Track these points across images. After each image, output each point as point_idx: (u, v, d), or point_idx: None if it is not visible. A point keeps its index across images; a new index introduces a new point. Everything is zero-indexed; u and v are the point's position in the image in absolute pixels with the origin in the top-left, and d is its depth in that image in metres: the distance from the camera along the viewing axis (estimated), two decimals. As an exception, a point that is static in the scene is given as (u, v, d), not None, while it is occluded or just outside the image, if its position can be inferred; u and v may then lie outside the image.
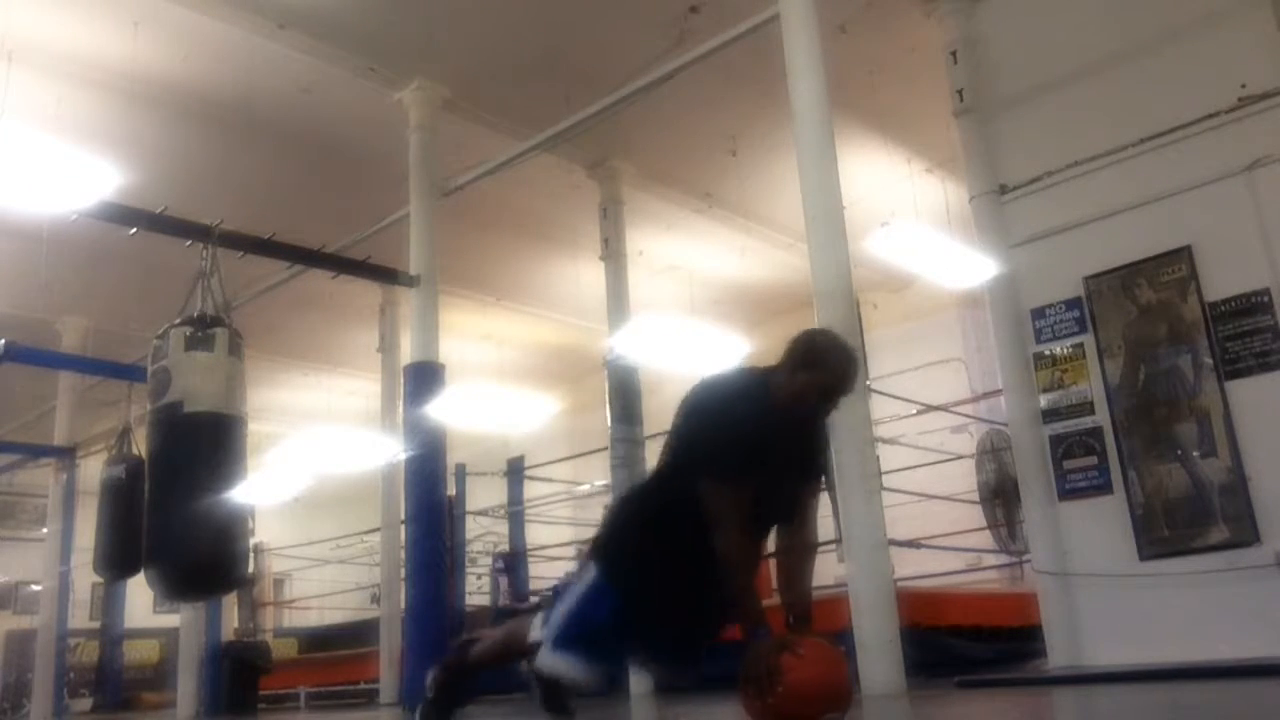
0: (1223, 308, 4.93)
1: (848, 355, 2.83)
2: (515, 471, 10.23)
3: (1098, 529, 5.13)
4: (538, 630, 2.94)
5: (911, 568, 7.46)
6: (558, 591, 7.98)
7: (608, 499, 7.63)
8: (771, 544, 3.06)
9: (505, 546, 10.43)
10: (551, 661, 2.81)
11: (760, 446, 2.73)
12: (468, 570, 9.74)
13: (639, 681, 6.78)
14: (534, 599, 9.17)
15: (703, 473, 2.72)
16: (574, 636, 2.82)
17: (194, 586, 5.47)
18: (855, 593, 4.73)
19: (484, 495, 10.54)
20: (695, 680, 3.08)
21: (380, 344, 10.26)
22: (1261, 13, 4.99)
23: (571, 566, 10.53)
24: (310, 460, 10.90)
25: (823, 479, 3.06)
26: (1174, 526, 4.92)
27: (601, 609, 2.83)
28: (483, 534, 11.12)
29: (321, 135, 7.95)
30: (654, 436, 7.15)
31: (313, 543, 13.09)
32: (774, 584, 3.03)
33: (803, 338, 2.86)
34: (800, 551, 2.96)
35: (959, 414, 9.25)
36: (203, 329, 5.11)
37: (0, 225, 8.21)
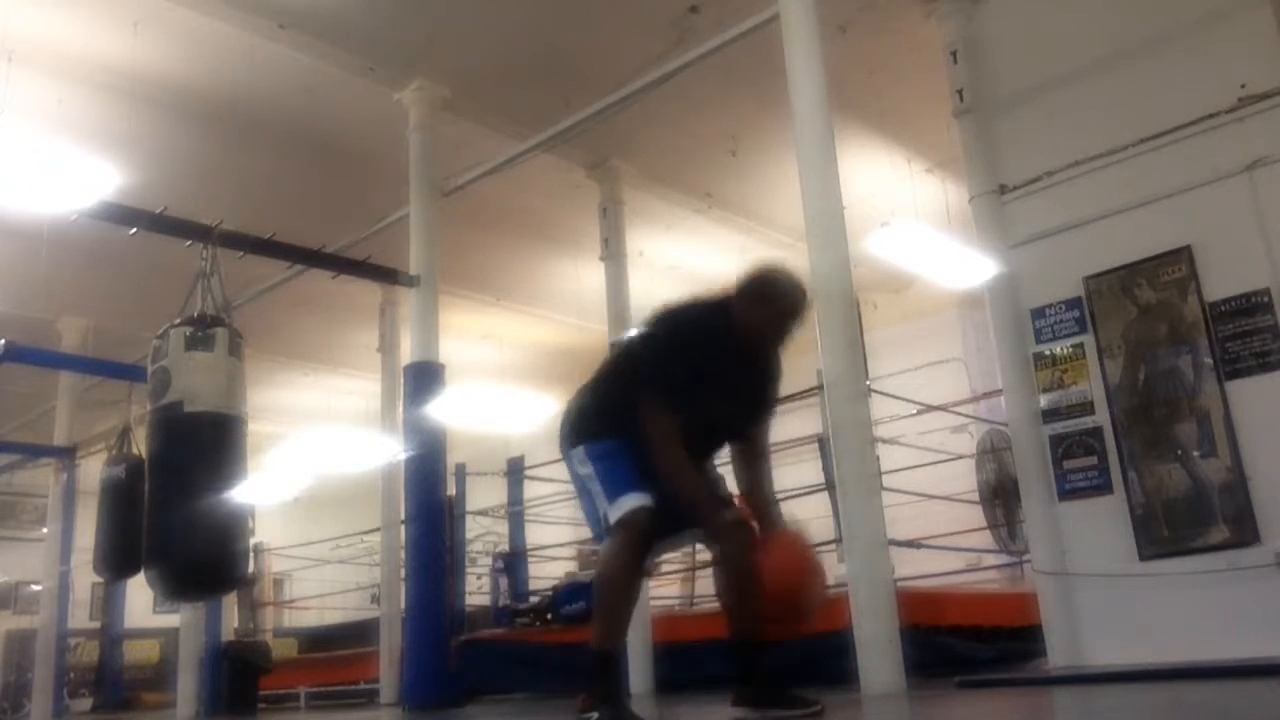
0: (1223, 308, 4.92)
1: (801, 289, 3.04)
2: (515, 471, 10.21)
3: (1097, 529, 5.13)
4: (603, 519, 3.01)
5: (911, 568, 7.46)
6: (559, 591, 8.00)
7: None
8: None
9: (505, 546, 10.42)
10: (617, 509, 2.93)
11: (710, 374, 2.93)
12: (468, 570, 9.72)
13: (639, 681, 6.79)
14: (534, 599, 9.17)
15: (647, 392, 2.93)
16: (613, 481, 2.98)
17: (194, 586, 5.47)
18: (855, 593, 4.73)
19: (484, 495, 10.53)
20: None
21: (380, 344, 10.26)
22: (1261, 13, 4.99)
23: (571, 566, 10.55)
24: (310, 460, 10.91)
25: (773, 409, 3.24)
26: (1174, 526, 4.92)
27: (617, 456, 3.00)
28: (483, 534, 11.11)
29: (321, 135, 7.95)
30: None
31: (313, 543, 13.08)
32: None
33: (758, 272, 3.04)
34: (753, 454, 3.15)
35: (959, 414, 9.25)
36: (203, 329, 5.11)
37: (0, 225, 8.21)
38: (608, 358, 3.36)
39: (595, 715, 2.87)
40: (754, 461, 3.17)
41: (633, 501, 2.94)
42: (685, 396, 2.92)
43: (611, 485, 2.99)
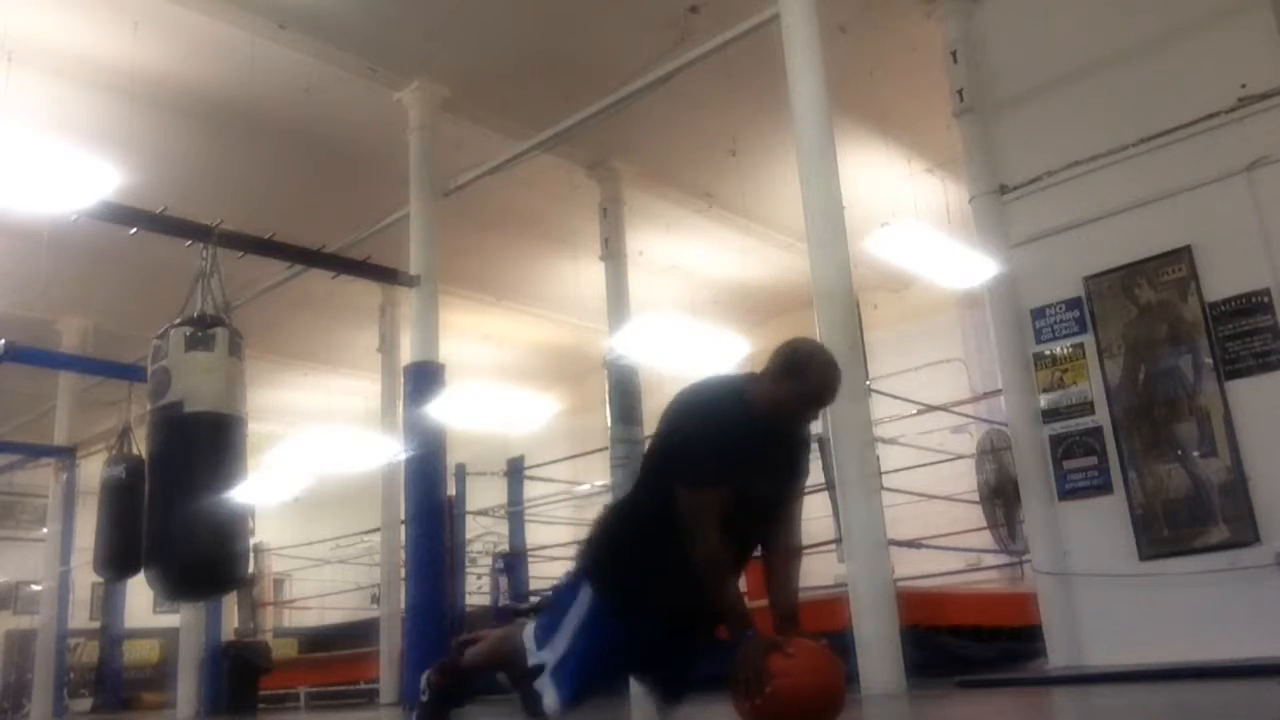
0: (1223, 308, 4.93)
1: (830, 364, 2.84)
2: (515, 471, 10.22)
3: (1098, 529, 5.13)
4: (532, 649, 2.90)
5: (911, 568, 7.46)
6: (552, 599, 7.99)
7: (607, 499, 7.63)
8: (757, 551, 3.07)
9: (505, 546, 10.42)
10: (552, 694, 2.79)
11: (736, 453, 2.74)
12: (468, 570, 9.73)
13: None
14: (534, 599, 9.17)
15: (677, 480, 2.73)
16: (577, 672, 2.80)
17: (194, 586, 5.47)
18: (855, 593, 4.73)
19: (484, 495, 10.53)
20: (686, 693, 3.08)
21: (380, 344, 10.26)
22: (1261, 13, 4.99)
23: (567, 570, 10.53)
24: (310, 460, 10.89)
25: (803, 484, 3.06)
26: (1174, 526, 4.92)
27: (604, 641, 2.81)
28: (483, 534, 11.11)
29: (321, 135, 7.95)
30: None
31: (313, 543, 13.09)
32: (763, 587, 3.04)
33: (785, 347, 2.87)
34: (785, 554, 2.96)
35: (959, 414, 9.25)
36: (203, 329, 5.10)
37: (0, 225, 8.21)
38: (640, 474, 3.09)
39: (427, 696, 3.16)
40: (787, 557, 2.97)
41: (562, 694, 2.79)
42: (713, 478, 2.72)
43: (576, 656, 2.82)
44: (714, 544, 2.72)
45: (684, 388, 2.97)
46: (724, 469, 2.72)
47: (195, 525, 4.87)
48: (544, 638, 2.90)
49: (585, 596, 2.87)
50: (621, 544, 2.94)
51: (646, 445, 3.05)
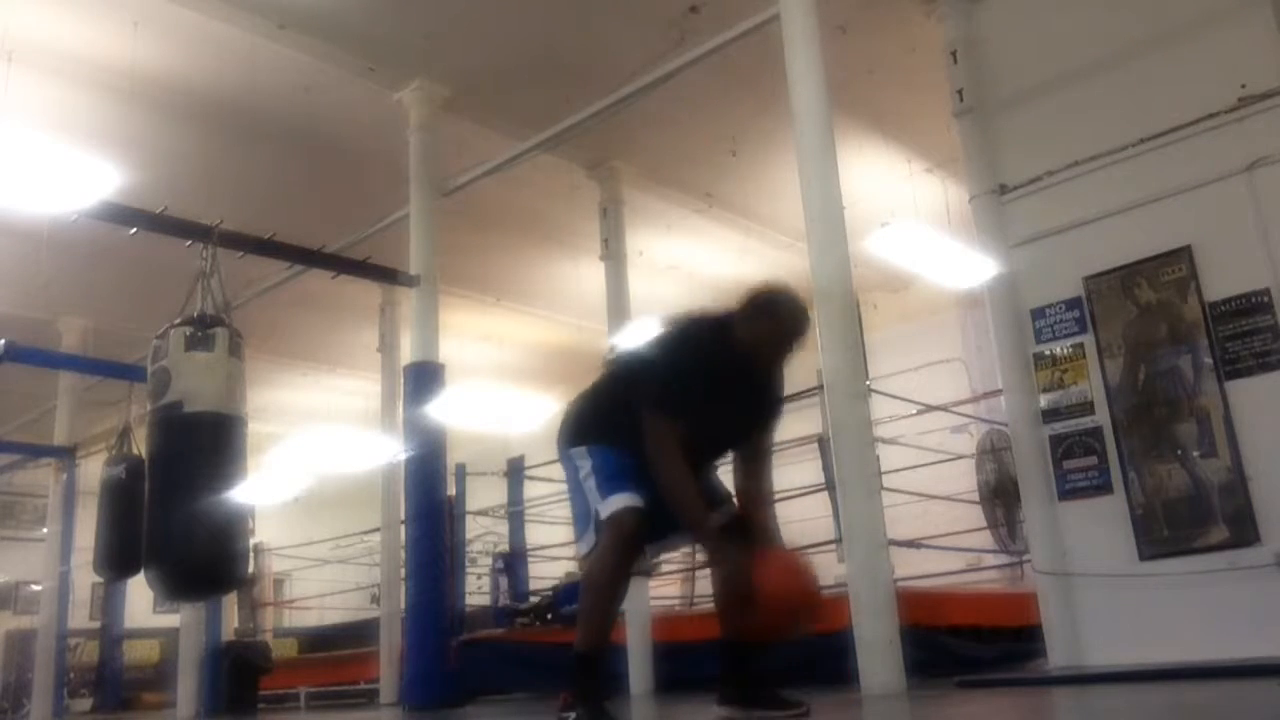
0: (1223, 308, 4.93)
1: (802, 308, 3.10)
2: (515, 471, 10.22)
3: (1098, 529, 5.13)
4: (594, 516, 3.03)
5: (911, 568, 7.46)
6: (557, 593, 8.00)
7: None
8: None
9: (505, 546, 10.42)
10: (609, 505, 2.96)
11: (711, 390, 2.97)
12: (468, 570, 9.73)
13: (639, 681, 6.79)
14: (534, 599, 9.17)
15: (644, 402, 2.97)
16: (609, 479, 3.00)
17: (194, 586, 5.47)
18: (855, 593, 4.74)
19: (484, 495, 10.53)
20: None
21: (380, 344, 10.26)
22: (1261, 13, 4.99)
23: (571, 566, 10.53)
24: (310, 460, 10.90)
25: (775, 422, 3.26)
26: (1174, 526, 4.92)
27: (615, 463, 3.03)
28: (483, 534, 11.11)
29: (321, 135, 7.95)
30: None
31: (313, 543, 13.09)
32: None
33: (760, 289, 3.11)
34: (753, 456, 3.18)
35: (959, 414, 9.25)
36: (203, 329, 5.10)
37: (0, 225, 8.21)
38: (607, 370, 3.44)
39: (573, 715, 2.88)
40: (754, 462, 3.19)
41: (623, 500, 2.96)
42: (686, 412, 2.95)
43: (606, 483, 3.01)
44: (677, 469, 2.93)
45: (672, 320, 3.26)
46: (690, 401, 2.95)
47: (195, 525, 4.87)
48: (585, 526, 3.07)
49: (580, 458, 3.11)
50: (597, 415, 3.24)
51: (626, 356, 3.28)
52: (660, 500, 2.96)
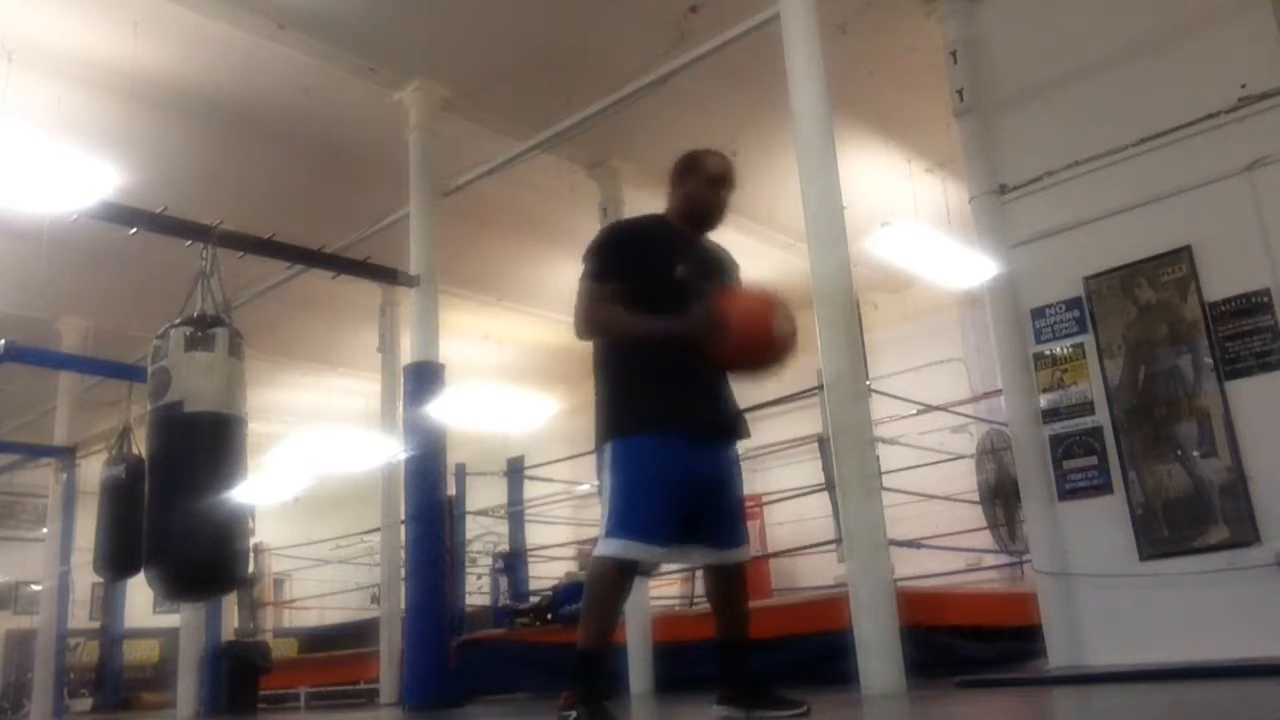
0: (1223, 308, 4.92)
1: (717, 152, 3.33)
2: (515, 471, 10.22)
3: (1098, 529, 5.13)
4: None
5: (911, 568, 7.46)
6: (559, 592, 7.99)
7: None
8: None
9: (505, 546, 10.42)
10: (604, 547, 2.95)
11: (645, 251, 3.16)
12: (468, 570, 9.73)
13: (639, 681, 6.79)
14: (534, 599, 9.17)
15: (580, 281, 3.16)
16: (622, 508, 2.96)
17: (194, 586, 5.47)
18: (855, 593, 4.73)
19: (484, 495, 10.54)
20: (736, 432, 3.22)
21: (380, 344, 10.25)
22: (1261, 13, 4.99)
23: (571, 566, 10.55)
24: (310, 460, 10.91)
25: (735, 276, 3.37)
26: (1174, 526, 4.92)
27: (631, 468, 3.00)
28: (483, 534, 11.12)
29: (321, 135, 7.95)
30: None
31: (313, 543, 13.09)
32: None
33: (680, 155, 3.34)
34: None
35: (959, 414, 9.25)
36: (203, 329, 5.11)
37: (0, 225, 8.21)
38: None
39: (573, 714, 2.87)
40: None
41: (615, 549, 2.93)
42: (625, 278, 3.11)
43: (616, 512, 2.98)
44: (602, 314, 3.08)
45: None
46: (622, 265, 3.13)
47: (195, 525, 4.88)
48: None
49: (603, 460, 3.09)
50: (600, 395, 3.20)
51: None
52: (673, 509, 2.97)
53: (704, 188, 3.23)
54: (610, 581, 2.98)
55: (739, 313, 2.93)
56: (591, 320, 3.09)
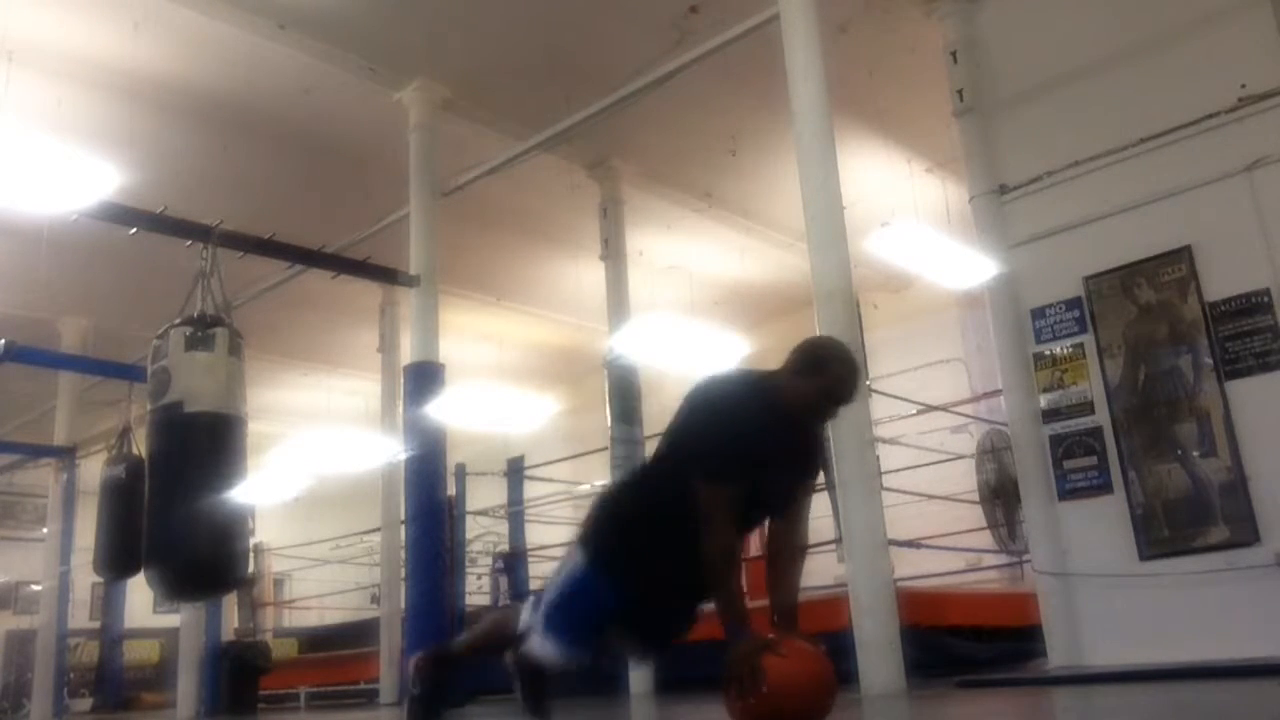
0: (1223, 308, 4.93)
1: (853, 363, 2.87)
2: (515, 471, 10.22)
3: (1098, 529, 5.13)
4: (526, 616, 2.96)
5: (911, 568, 7.46)
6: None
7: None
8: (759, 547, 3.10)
9: (505, 546, 10.42)
10: (540, 645, 2.86)
11: (758, 449, 2.75)
12: (468, 570, 9.73)
13: (638, 681, 6.79)
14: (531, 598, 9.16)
15: (698, 473, 2.73)
16: (561, 620, 2.86)
17: (194, 586, 5.46)
18: (855, 593, 4.73)
19: (484, 495, 10.53)
20: (664, 654, 3.16)
21: (380, 344, 10.26)
22: (1261, 13, 4.99)
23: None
24: (310, 460, 10.90)
25: (819, 478, 3.09)
26: (1174, 526, 4.92)
27: (588, 592, 2.85)
28: (483, 534, 11.12)
29: (321, 135, 7.94)
30: (653, 437, 7.16)
31: (313, 543, 13.09)
32: (764, 584, 3.07)
33: (809, 344, 2.90)
34: (790, 554, 2.97)
35: (959, 414, 9.25)
36: (203, 329, 5.10)
37: (0, 225, 8.21)
38: (652, 460, 3.12)
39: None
40: (792, 557, 2.97)
41: (545, 652, 2.87)
42: (739, 479, 2.74)
43: (562, 612, 2.87)
44: (729, 538, 2.74)
45: (709, 378, 2.99)
46: (743, 465, 2.73)
47: (195, 525, 4.87)
48: (536, 601, 2.97)
49: (578, 558, 2.92)
50: (619, 517, 2.96)
51: (665, 432, 3.02)
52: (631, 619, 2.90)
53: (820, 400, 2.84)
54: (503, 638, 3.04)
55: (787, 684, 2.58)
56: (726, 550, 2.72)
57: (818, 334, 2.97)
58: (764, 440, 2.77)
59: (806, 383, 2.79)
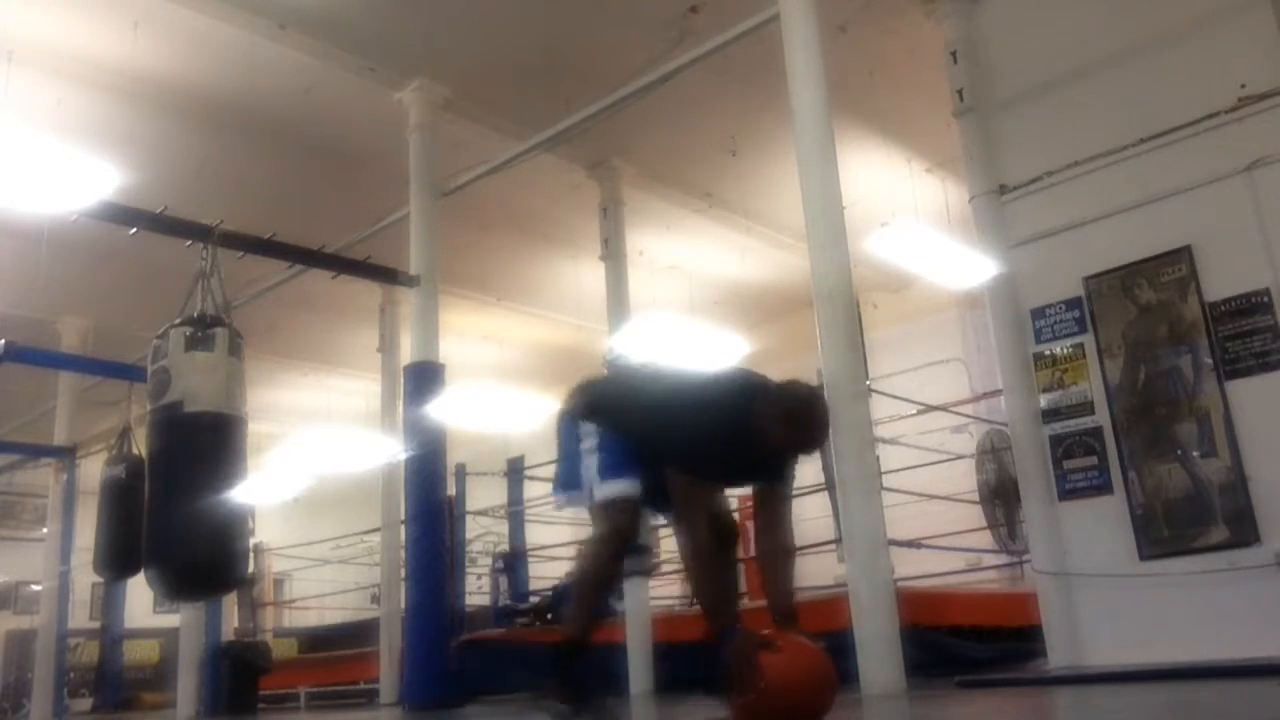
0: (1223, 308, 4.93)
1: (821, 421, 3.12)
2: (515, 471, 10.23)
3: (1098, 529, 5.13)
4: (589, 492, 3.15)
5: (911, 568, 7.46)
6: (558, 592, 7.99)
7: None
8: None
9: (505, 546, 10.42)
10: (605, 490, 3.09)
11: (728, 458, 3.02)
12: (468, 570, 9.73)
13: (639, 681, 6.79)
14: (534, 599, 9.17)
15: (672, 457, 3.02)
16: (611, 463, 3.12)
17: (194, 586, 5.47)
18: (855, 593, 4.73)
19: (484, 495, 10.53)
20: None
21: (380, 344, 10.25)
22: (1261, 13, 4.99)
23: (571, 566, 10.55)
24: (310, 460, 10.90)
25: (789, 488, 3.27)
26: (1174, 526, 4.92)
27: (617, 440, 3.14)
28: (483, 534, 11.12)
29: (321, 135, 7.95)
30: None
31: (313, 543, 13.09)
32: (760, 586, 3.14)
33: (790, 395, 3.06)
34: (774, 556, 3.13)
35: (959, 414, 9.25)
36: (203, 329, 5.10)
37: (0, 225, 8.21)
38: (639, 375, 3.53)
39: (553, 702, 2.98)
40: (779, 558, 3.12)
41: (620, 489, 3.07)
42: (705, 473, 3.06)
43: (608, 466, 3.11)
44: (702, 537, 2.96)
45: (721, 372, 3.34)
46: (714, 471, 3.05)
47: (195, 525, 4.87)
48: (571, 488, 3.23)
49: (586, 435, 3.20)
50: (616, 405, 3.27)
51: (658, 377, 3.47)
52: (657, 482, 3.06)
53: (791, 447, 3.09)
54: (611, 550, 3.12)
55: (784, 680, 2.61)
56: (694, 544, 3.01)
57: (802, 385, 3.11)
58: (736, 452, 3.02)
59: (775, 429, 2.99)
